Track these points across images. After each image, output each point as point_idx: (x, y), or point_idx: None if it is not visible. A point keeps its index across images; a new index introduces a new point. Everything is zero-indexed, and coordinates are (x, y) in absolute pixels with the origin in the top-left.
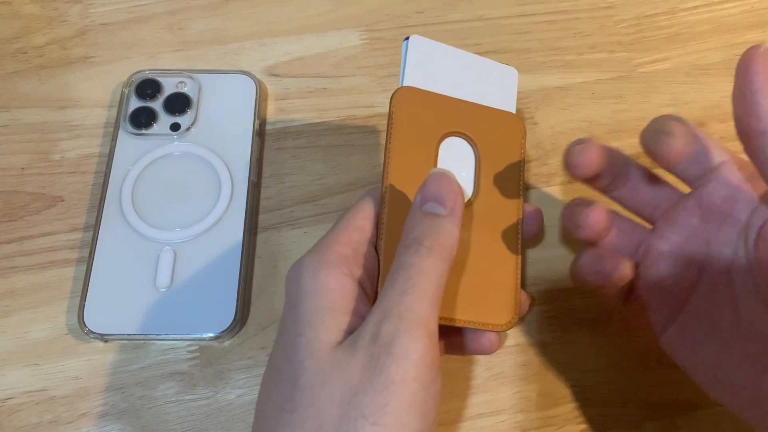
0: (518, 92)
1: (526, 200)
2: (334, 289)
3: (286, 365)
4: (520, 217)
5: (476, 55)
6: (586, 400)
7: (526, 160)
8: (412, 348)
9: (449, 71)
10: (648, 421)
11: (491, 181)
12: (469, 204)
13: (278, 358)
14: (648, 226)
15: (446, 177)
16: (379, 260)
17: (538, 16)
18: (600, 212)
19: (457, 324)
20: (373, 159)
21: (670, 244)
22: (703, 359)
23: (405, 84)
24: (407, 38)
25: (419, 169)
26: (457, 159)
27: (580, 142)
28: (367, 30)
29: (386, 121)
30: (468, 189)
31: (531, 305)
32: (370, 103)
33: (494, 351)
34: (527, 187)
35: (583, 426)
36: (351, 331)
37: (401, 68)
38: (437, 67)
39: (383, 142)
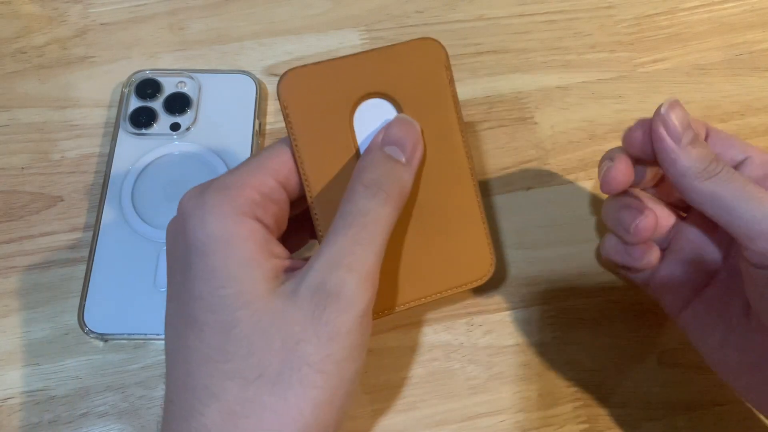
0: (518, 92)
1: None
2: (248, 238)
3: (210, 316)
4: (466, 157)
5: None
6: (586, 400)
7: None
8: (360, 300)
9: None
10: (648, 421)
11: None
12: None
13: (192, 308)
14: (682, 214)
15: (411, 125)
16: (311, 209)
17: (538, 16)
18: (651, 220)
19: (440, 296)
20: None
21: (697, 233)
22: (711, 342)
23: None
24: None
25: (338, 154)
26: (378, 121)
27: (609, 156)
28: (367, 30)
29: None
30: None
31: (530, 305)
32: None
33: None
34: (530, 186)
35: (583, 426)
36: (275, 277)
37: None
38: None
39: None
